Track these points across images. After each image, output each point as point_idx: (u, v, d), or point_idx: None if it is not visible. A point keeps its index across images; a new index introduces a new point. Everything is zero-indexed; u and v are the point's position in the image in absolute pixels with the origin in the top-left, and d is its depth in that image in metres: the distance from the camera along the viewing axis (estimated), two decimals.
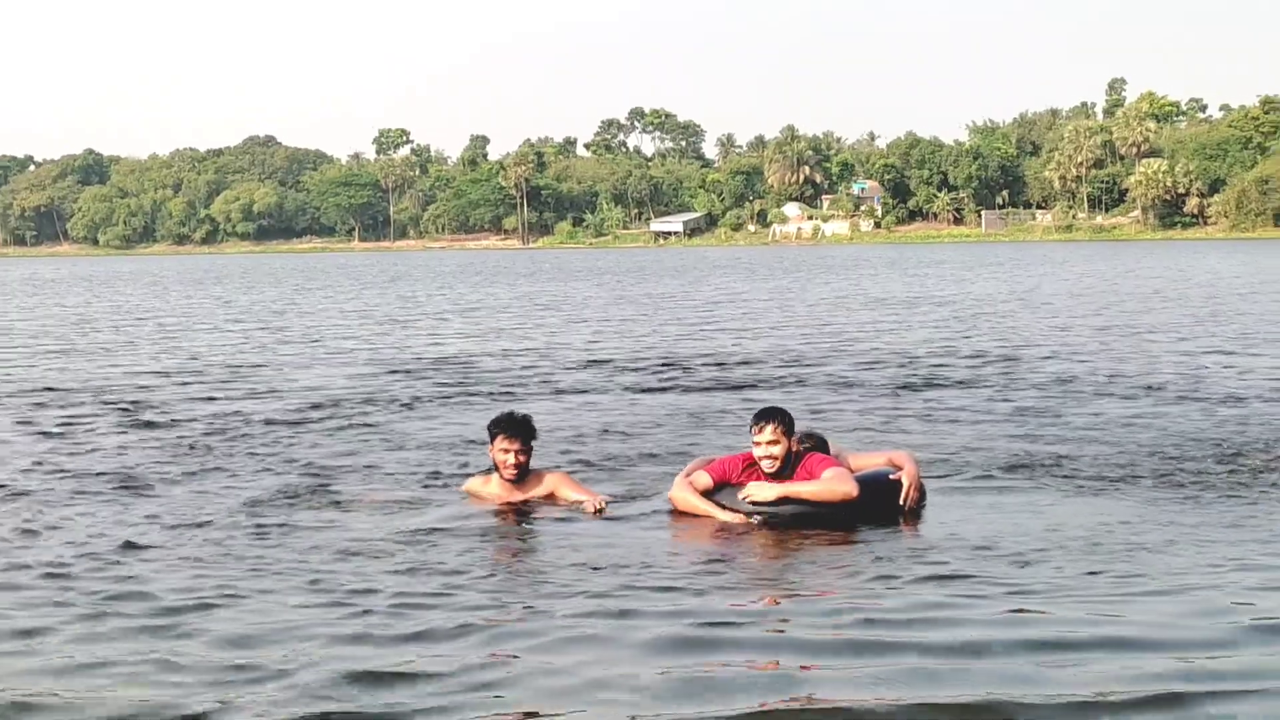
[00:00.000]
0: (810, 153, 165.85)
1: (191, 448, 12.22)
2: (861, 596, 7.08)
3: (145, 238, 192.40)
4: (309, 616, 6.70)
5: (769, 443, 8.86)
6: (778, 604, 6.96)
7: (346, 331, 28.52)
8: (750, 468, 9.00)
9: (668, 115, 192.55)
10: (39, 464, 11.40)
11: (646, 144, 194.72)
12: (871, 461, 9.41)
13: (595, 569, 7.68)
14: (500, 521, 9.09)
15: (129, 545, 8.21)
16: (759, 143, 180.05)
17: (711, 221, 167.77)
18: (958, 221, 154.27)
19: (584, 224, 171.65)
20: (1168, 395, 15.30)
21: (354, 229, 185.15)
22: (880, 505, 8.89)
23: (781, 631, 6.48)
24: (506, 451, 9.33)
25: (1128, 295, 38.08)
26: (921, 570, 7.57)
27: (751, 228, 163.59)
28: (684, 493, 9.02)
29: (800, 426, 9.51)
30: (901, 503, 8.95)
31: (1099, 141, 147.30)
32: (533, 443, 9.46)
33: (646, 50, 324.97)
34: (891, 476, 9.05)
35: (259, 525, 8.82)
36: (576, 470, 10.70)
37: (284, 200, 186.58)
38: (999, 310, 32.27)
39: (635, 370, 19.33)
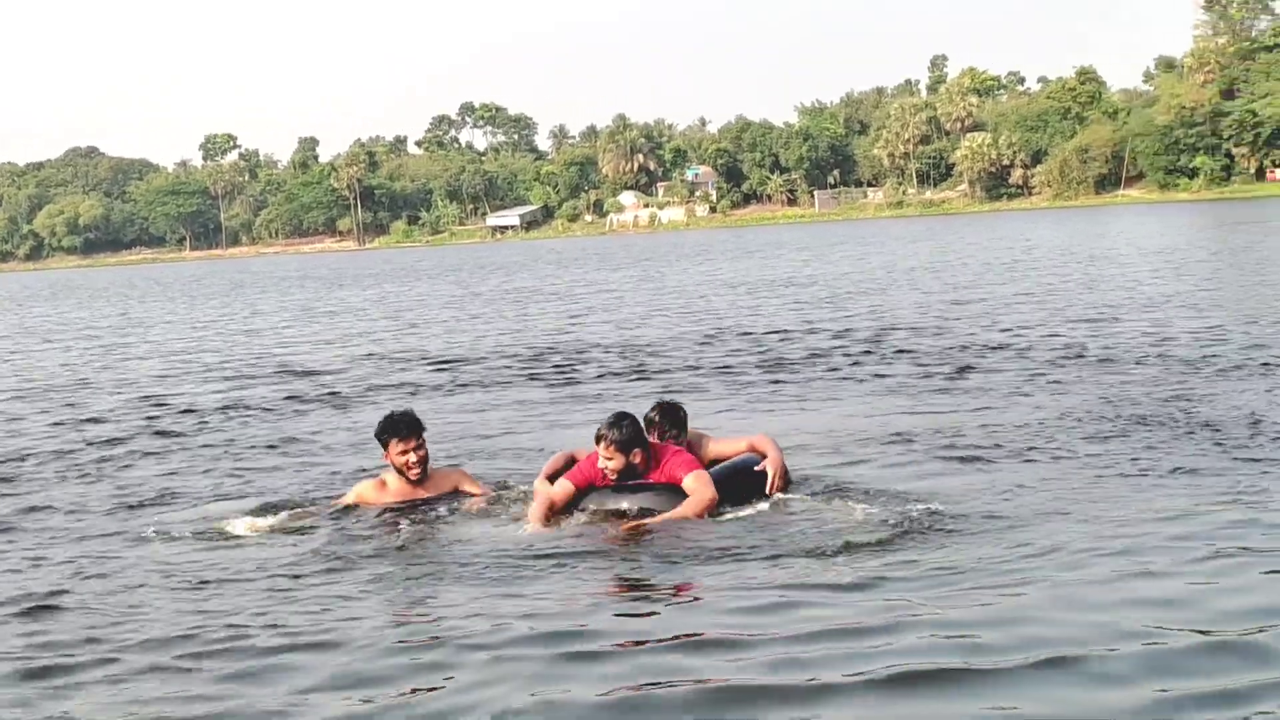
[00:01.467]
0: (643, 140, 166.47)
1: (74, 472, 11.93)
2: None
3: None
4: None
5: (604, 457, 8.89)
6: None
7: (201, 344, 27.78)
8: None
9: (499, 109, 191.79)
10: None
11: (479, 139, 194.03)
12: (733, 448, 9.40)
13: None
14: (410, 522, 8.85)
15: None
16: (591, 133, 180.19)
17: (548, 214, 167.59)
18: (791, 203, 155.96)
19: (420, 222, 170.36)
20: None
21: (185, 238, 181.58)
22: (745, 495, 8.89)
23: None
24: (405, 452, 9.11)
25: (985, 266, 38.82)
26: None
27: (588, 218, 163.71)
28: (536, 508, 8.86)
29: (665, 398, 9.88)
30: (768, 492, 8.98)
31: (924, 118, 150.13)
32: (424, 435, 9.25)
33: (474, 45, 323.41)
34: (756, 468, 9.06)
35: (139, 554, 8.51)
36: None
37: (110, 212, 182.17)
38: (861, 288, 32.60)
39: (504, 365, 19.31)
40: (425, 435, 9.26)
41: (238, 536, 8.78)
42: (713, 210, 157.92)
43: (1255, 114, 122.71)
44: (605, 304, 32.68)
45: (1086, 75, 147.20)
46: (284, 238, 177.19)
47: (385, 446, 9.20)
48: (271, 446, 12.70)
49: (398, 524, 8.77)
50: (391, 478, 9.26)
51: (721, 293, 34.09)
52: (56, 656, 6.48)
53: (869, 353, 18.05)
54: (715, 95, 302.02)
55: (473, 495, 9.30)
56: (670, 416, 9.35)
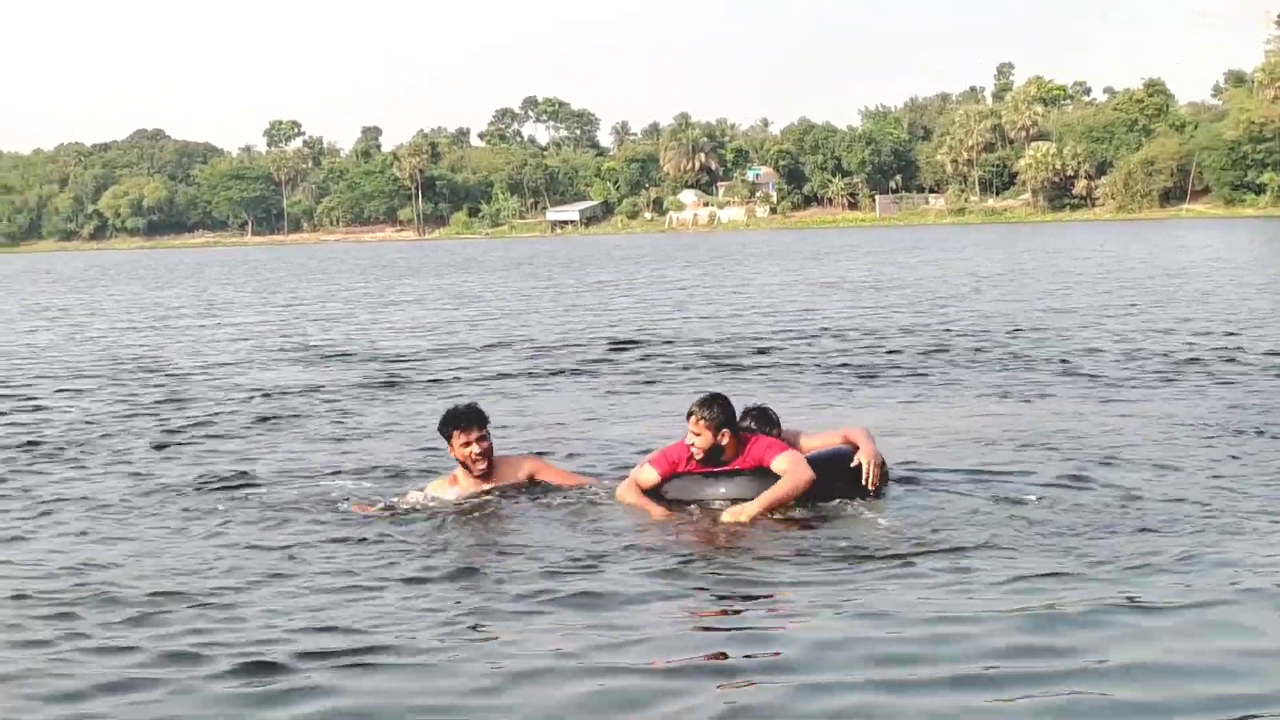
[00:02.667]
0: (705, 139, 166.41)
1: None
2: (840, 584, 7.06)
3: (30, 234, 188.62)
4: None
5: (692, 433, 8.69)
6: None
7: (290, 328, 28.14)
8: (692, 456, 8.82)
9: (561, 104, 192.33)
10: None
11: (541, 133, 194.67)
12: (828, 441, 9.12)
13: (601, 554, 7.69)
14: (480, 517, 8.67)
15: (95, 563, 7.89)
16: (653, 130, 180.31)
17: (608, 210, 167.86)
18: (852, 206, 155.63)
19: (480, 214, 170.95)
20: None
21: (246, 223, 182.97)
22: (841, 486, 8.66)
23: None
24: (468, 444, 8.88)
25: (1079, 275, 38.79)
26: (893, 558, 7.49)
27: (648, 215, 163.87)
28: (624, 491, 8.86)
29: (754, 402, 9.52)
30: (864, 483, 8.71)
31: (989, 125, 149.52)
32: (489, 427, 9.04)
33: (538, 39, 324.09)
34: (852, 463, 8.77)
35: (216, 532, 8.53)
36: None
37: (174, 194, 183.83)
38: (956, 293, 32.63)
39: (598, 353, 19.61)
40: (489, 426, 9.03)
41: (309, 528, 8.55)
42: (773, 211, 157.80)
43: None
44: (686, 299, 32.89)
45: (1154, 87, 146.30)
46: (345, 225, 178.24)
47: (448, 440, 8.99)
48: (359, 435, 12.63)
49: (464, 520, 8.56)
50: (461, 473, 9.03)
51: (806, 292, 34.25)
52: (111, 636, 6.45)
53: (977, 351, 18.21)
54: (779, 96, 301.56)
55: (550, 483, 9.12)
56: (762, 420, 9.12)
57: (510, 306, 32.65)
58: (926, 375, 16.16)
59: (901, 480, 9.27)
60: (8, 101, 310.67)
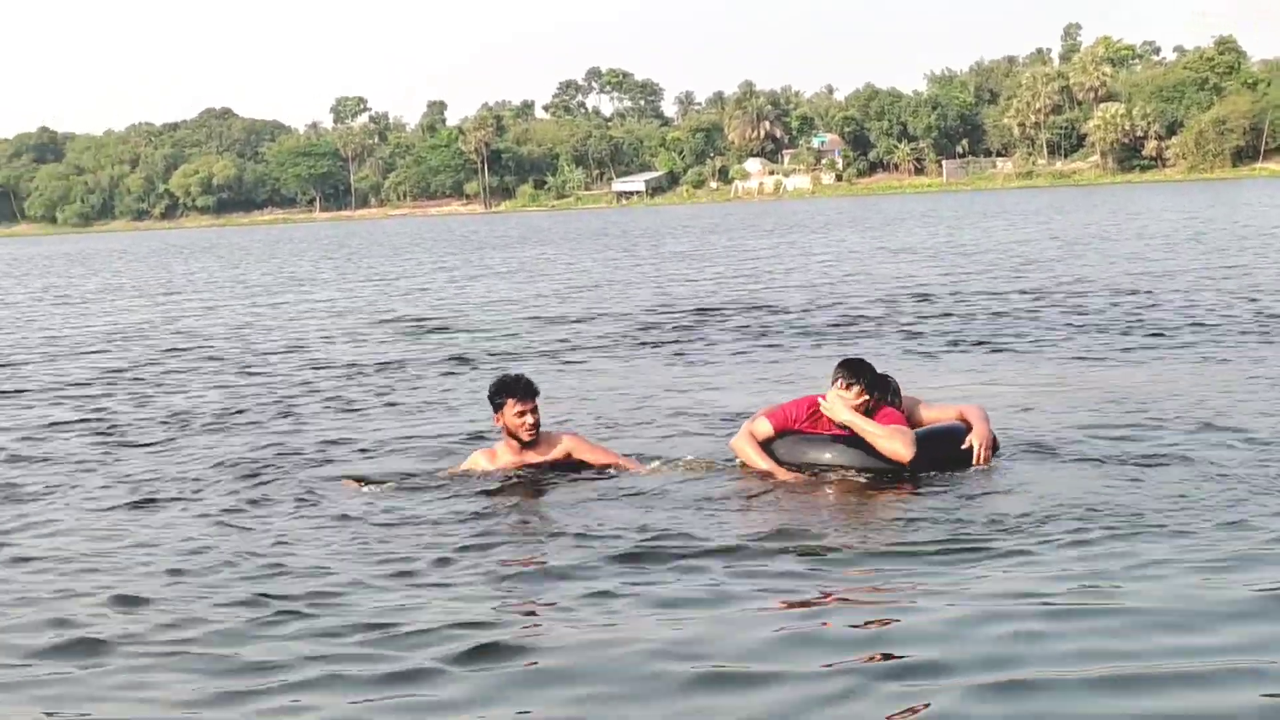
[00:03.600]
0: (769, 107, 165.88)
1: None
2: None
3: (104, 214, 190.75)
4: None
5: (854, 399, 8.69)
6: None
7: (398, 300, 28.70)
8: (815, 414, 8.89)
9: (625, 75, 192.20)
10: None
11: (605, 104, 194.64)
12: (944, 415, 9.19)
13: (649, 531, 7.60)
14: (522, 489, 8.79)
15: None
16: (718, 99, 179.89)
17: (673, 180, 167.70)
18: (919, 172, 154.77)
19: (546, 187, 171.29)
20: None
21: (315, 199, 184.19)
22: (951, 461, 8.74)
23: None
24: (522, 414, 8.97)
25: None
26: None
27: (713, 185, 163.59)
28: (741, 442, 8.98)
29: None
30: (975, 463, 8.76)
31: (1056, 87, 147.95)
32: (538, 399, 9.13)
33: (600, 10, 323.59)
34: (964, 444, 8.80)
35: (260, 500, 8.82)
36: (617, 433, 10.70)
37: (243, 172, 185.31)
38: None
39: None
40: (539, 400, 9.12)
41: (348, 500, 8.76)
42: (838, 179, 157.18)
43: None
44: (773, 268, 33.07)
45: (1226, 45, 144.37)
46: (412, 200, 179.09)
47: (499, 409, 9.04)
48: (424, 404, 13.07)
49: (509, 492, 8.71)
50: (502, 447, 9.18)
51: (891, 259, 34.41)
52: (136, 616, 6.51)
53: (1074, 315, 18.43)
54: (843, 62, 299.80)
55: (588, 461, 9.18)
56: (881, 387, 9.00)
57: (593, 277, 32.97)
58: (1025, 339, 16.34)
59: (1027, 449, 9.30)
60: (79, 84, 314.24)
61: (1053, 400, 11.64)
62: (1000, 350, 15.52)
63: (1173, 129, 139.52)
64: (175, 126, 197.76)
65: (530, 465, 9.06)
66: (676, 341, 17.79)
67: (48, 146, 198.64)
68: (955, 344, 16.20)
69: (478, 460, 9.23)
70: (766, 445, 8.92)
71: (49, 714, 5.33)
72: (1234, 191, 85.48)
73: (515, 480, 8.93)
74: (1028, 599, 6.14)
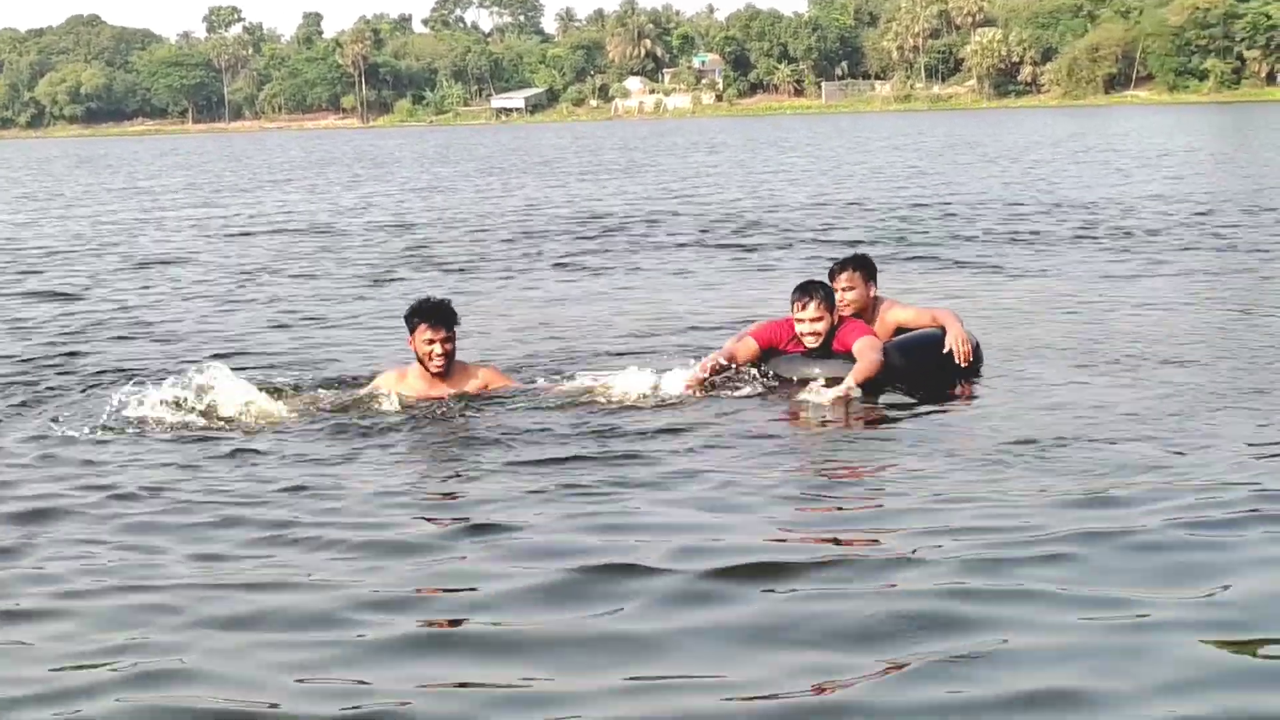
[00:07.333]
0: (650, 26, 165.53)
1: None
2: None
3: None
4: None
5: (812, 319, 8.71)
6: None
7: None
8: (795, 337, 8.92)
9: None
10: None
11: (484, 19, 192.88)
12: (912, 316, 9.25)
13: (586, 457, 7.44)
14: (430, 420, 8.32)
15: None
16: (598, 16, 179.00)
17: (553, 97, 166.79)
18: (798, 93, 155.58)
19: (424, 102, 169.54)
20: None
21: (187, 110, 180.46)
22: (936, 368, 8.85)
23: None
24: (431, 341, 8.53)
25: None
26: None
27: (593, 103, 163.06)
28: (705, 360, 8.87)
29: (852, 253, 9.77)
30: (957, 361, 8.82)
31: (935, 11, 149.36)
32: (455, 329, 8.68)
33: None
34: (944, 349, 8.85)
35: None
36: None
37: (113, 81, 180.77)
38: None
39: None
40: (456, 329, 8.66)
41: (231, 417, 8.29)
42: (719, 99, 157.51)
43: (1269, 16, 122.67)
44: (717, 181, 33.37)
45: None
46: (287, 113, 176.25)
47: (412, 331, 8.62)
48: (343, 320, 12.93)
49: (416, 417, 8.31)
50: (415, 371, 8.72)
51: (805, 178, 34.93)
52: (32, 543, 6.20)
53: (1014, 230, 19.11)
54: None
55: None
56: (865, 266, 9.23)
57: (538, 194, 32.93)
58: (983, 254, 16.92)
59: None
60: None
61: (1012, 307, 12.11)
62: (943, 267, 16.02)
63: (1048, 55, 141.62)
64: (40, 32, 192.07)
65: (442, 393, 8.66)
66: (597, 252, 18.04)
67: None
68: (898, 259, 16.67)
69: (387, 379, 8.78)
70: (756, 362, 8.96)
71: None
72: (1103, 117, 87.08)
73: (411, 416, 8.39)
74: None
